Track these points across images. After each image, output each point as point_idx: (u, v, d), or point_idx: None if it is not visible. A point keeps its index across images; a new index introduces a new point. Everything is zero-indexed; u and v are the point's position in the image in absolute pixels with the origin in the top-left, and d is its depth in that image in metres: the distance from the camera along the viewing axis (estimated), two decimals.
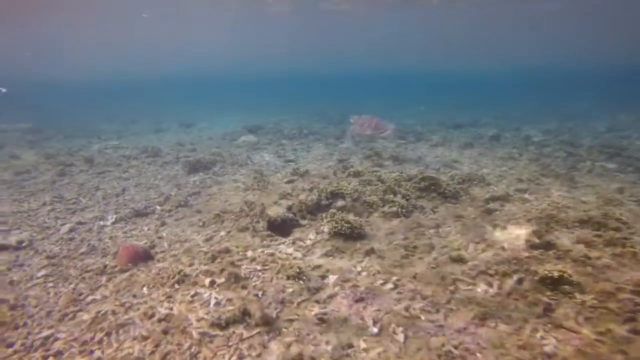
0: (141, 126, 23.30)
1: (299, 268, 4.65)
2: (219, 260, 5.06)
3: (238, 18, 25.60)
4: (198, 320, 3.82)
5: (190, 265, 5.02)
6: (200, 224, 6.45)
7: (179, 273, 4.70)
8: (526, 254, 4.63)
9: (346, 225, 5.54)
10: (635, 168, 9.86)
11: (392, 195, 6.92)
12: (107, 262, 5.37)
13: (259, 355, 3.32)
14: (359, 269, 4.87)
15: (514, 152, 12.18)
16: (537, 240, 4.74)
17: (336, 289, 4.35)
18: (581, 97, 37.52)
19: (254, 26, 27.14)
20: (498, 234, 5.29)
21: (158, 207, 7.64)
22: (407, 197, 6.99)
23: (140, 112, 31.48)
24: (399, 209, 6.44)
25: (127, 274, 4.93)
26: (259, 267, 4.86)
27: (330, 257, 5.16)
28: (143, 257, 5.38)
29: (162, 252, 5.64)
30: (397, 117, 25.34)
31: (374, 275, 4.71)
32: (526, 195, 7.22)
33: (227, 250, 5.30)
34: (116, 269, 5.11)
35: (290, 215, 6.13)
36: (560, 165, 10.30)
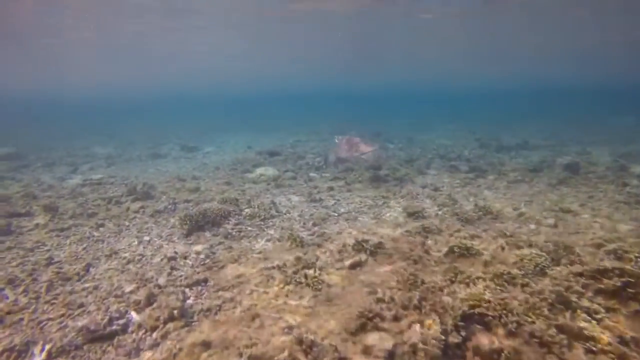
0: (138, 150, 20.24)
1: None
2: None
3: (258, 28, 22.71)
4: None
5: None
6: None
7: None
8: None
9: None
10: None
11: (569, 315, 3.62)
12: None
13: None
14: None
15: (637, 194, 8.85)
16: None
17: None
18: (620, 111, 34.29)
19: (272, 35, 24.24)
20: None
21: (133, 317, 4.36)
22: (595, 315, 3.70)
23: (140, 132, 28.58)
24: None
25: None
26: None
27: None
28: None
29: None
30: (430, 137, 22.22)
31: None
32: None
33: None
34: None
35: None
36: None
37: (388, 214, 7.76)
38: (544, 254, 4.99)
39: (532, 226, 6.71)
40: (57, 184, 11.42)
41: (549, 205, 8.18)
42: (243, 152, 18.03)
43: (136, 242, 6.68)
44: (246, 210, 7.73)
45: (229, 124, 33.47)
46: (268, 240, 6.34)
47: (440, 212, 7.58)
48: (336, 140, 10.99)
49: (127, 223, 7.66)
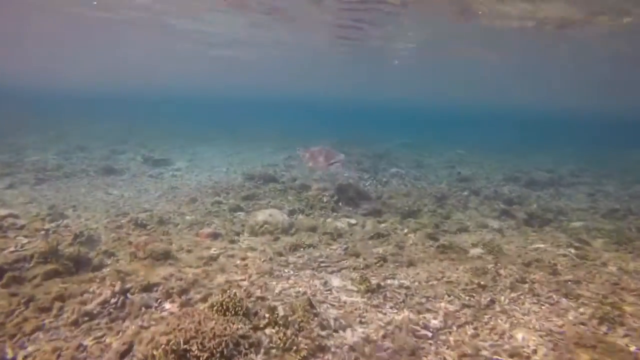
0: (88, 158, 15.78)
1: None
2: None
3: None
4: None
5: None
6: None
7: None
8: None
9: None
10: None
11: None
12: None
13: None
14: None
15: None
16: None
17: None
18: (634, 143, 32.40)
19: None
20: None
21: None
22: None
23: (96, 134, 23.68)
24: None
25: None
26: None
27: None
28: None
29: None
30: (439, 163, 19.12)
31: None
32: None
33: None
34: None
35: None
36: None
37: (521, 337, 4.26)
38: None
39: None
40: None
41: None
42: (225, 173, 14.08)
43: None
44: (267, 330, 3.92)
45: (205, 130, 29.11)
46: None
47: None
48: (298, 152, 10.75)
49: None
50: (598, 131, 49.89)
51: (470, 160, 21.23)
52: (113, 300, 4.47)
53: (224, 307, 3.95)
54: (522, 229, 8.93)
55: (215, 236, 6.99)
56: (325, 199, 9.88)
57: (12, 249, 5.76)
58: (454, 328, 4.42)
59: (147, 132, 26.07)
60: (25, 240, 6.11)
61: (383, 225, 8.54)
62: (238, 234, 7.38)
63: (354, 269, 5.89)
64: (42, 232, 6.59)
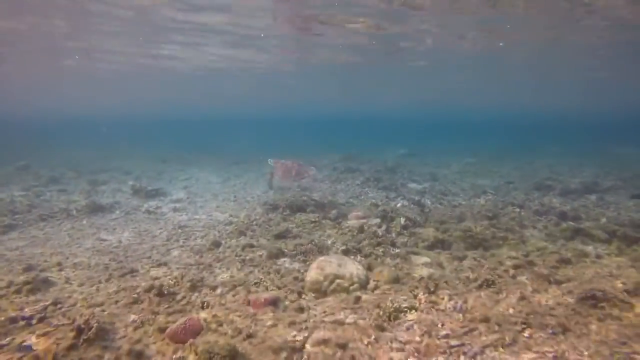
0: (65, 192, 13.34)
1: None
2: None
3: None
4: None
5: None
6: None
7: None
8: None
9: None
10: None
11: None
12: None
13: None
14: None
15: None
16: None
17: None
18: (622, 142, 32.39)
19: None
20: None
21: None
22: None
23: (67, 160, 21.00)
24: None
25: None
26: None
27: None
28: None
29: None
30: (454, 174, 17.63)
31: None
32: None
33: None
34: None
35: None
36: None
37: None
38: None
39: None
40: None
41: None
42: (234, 202, 12.00)
43: None
44: None
45: (182, 153, 26.73)
46: None
47: None
48: (270, 163, 11.60)
49: None
50: (584, 132, 50.58)
51: (485, 169, 19.97)
52: None
53: None
54: (628, 253, 7.40)
55: (274, 304, 5.01)
56: (380, 233, 8.05)
57: None
58: None
59: (126, 158, 23.50)
60: None
61: (466, 263, 6.80)
62: (299, 294, 5.43)
63: (502, 346, 4.07)
64: (23, 323, 4.42)
